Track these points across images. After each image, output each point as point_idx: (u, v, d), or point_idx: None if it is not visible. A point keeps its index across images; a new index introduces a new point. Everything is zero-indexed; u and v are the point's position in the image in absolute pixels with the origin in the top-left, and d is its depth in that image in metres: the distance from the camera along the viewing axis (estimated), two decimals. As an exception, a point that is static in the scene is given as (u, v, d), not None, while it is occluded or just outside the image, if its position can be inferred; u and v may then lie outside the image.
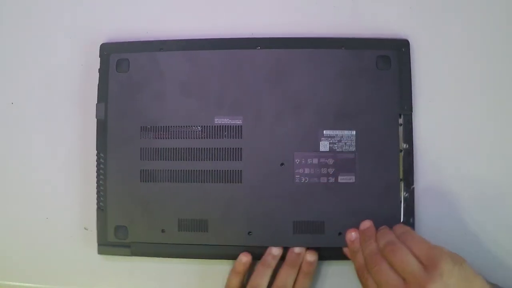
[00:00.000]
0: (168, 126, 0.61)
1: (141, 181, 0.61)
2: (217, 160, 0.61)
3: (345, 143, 0.60)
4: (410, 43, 0.62)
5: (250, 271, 0.60)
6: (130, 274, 0.64)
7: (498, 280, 0.61)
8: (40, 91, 0.67)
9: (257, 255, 0.61)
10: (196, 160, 0.61)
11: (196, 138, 0.61)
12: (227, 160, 0.61)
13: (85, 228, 0.65)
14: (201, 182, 0.61)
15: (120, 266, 0.64)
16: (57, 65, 0.67)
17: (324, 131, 0.60)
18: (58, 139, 0.66)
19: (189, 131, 0.61)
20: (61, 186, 0.66)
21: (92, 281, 0.65)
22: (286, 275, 0.58)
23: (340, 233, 0.59)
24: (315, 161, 0.60)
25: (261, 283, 0.58)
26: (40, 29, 0.68)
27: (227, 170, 0.60)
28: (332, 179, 0.60)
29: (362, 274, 0.54)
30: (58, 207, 0.66)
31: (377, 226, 0.58)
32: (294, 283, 0.59)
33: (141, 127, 0.61)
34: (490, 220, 0.62)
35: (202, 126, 0.61)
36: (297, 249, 0.59)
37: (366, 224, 0.58)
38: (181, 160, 0.61)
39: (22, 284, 0.66)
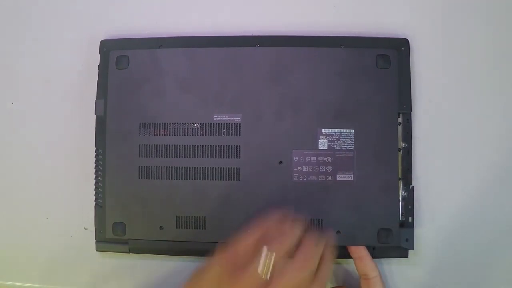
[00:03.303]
0: (167, 123, 0.61)
1: (139, 178, 0.61)
2: (215, 157, 0.60)
3: (344, 141, 0.60)
4: (410, 43, 0.62)
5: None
6: (129, 272, 0.64)
7: (498, 279, 0.61)
8: (40, 90, 0.67)
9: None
10: (195, 157, 0.61)
11: (195, 135, 0.61)
12: (226, 157, 0.60)
13: (85, 228, 0.65)
14: (200, 179, 0.60)
15: (119, 264, 0.64)
16: (57, 63, 0.67)
17: (323, 129, 0.60)
18: (58, 138, 0.67)
19: (187, 128, 0.61)
20: (61, 186, 0.66)
21: (92, 281, 0.65)
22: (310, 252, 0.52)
23: (338, 232, 0.59)
24: (314, 159, 0.60)
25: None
26: (40, 27, 0.68)
27: (226, 168, 0.60)
28: (330, 178, 0.60)
29: None
30: (58, 206, 0.66)
31: (376, 224, 0.59)
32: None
33: (140, 123, 0.61)
34: (490, 219, 0.62)
35: (200, 123, 0.61)
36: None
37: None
38: (179, 157, 0.61)
39: (22, 284, 0.66)
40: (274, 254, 0.50)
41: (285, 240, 0.51)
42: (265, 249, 0.50)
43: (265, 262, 0.50)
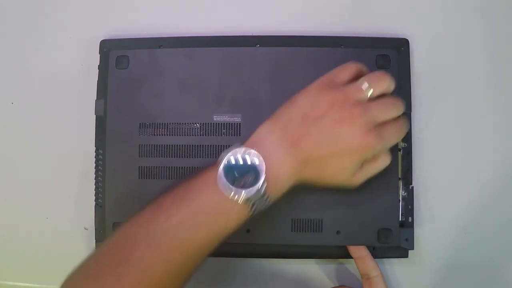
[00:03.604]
0: (167, 123, 0.61)
1: (139, 178, 0.61)
2: (215, 157, 0.59)
3: (344, 141, 0.60)
4: (409, 43, 0.62)
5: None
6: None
7: (498, 279, 0.61)
8: (40, 90, 0.67)
9: (256, 254, 0.61)
10: (195, 157, 0.60)
11: (195, 135, 0.61)
12: (226, 157, 0.60)
13: (85, 228, 0.65)
14: (199, 179, 0.60)
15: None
16: (58, 63, 0.67)
17: (323, 129, 0.60)
18: (59, 138, 0.67)
19: (187, 128, 0.61)
20: (61, 186, 0.66)
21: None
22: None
23: (338, 232, 0.59)
24: (314, 159, 0.60)
25: None
26: (40, 27, 0.68)
27: (226, 168, 0.60)
28: (330, 178, 0.60)
29: None
30: (58, 206, 0.66)
31: (376, 224, 0.59)
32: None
33: (140, 123, 0.61)
34: (489, 219, 0.62)
35: (200, 123, 0.61)
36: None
37: None
38: (179, 157, 0.61)
39: (22, 284, 0.66)
40: (371, 90, 0.50)
41: (383, 81, 0.51)
42: (365, 83, 0.50)
43: (367, 87, 0.50)
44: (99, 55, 0.63)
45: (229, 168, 0.48)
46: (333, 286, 0.62)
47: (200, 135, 0.61)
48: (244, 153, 0.49)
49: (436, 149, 0.63)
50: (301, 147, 0.49)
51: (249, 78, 0.61)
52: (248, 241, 0.60)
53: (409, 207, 0.60)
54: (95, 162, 0.62)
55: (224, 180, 0.48)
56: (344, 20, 0.65)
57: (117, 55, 0.62)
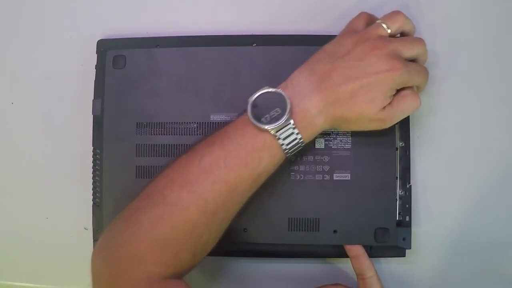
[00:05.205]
0: (164, 123, 0.61)
1: (136, 178, 0.61)
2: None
3: (341, 140, 0.60)
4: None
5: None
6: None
7: (496, 279, 0.60)
8: (40, 90, 0.68)
9: (252, 253, 0.61)
10: (192, 156, 0.60)
11: (192, 135, 0.61)
12: (223, 157, 0.60)
13: (85, 228, 0.65)
14: (197, 178, 0.60)
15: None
16: (57, 63, 0.67)
17: (320, 128, 0.60)
18: (58, 139, 0.67)
19: (185, 128, 0.61)
20: (61, 186, 0.66)
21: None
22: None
23: (335, 231, 0.59)
24: (311, 158, 0.60)
25: None
26: (39, 28, 0.68)
27: (223, 167, 0.60)
28: (327, 177, 0.59)
29: None
30: (58, 206, 0.66)
31: (373, 224, 0.59)
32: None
33: (137, 123, 0.61)
34: (489, 219, 0.62)
35: (198, 122, 0.61)
36: None
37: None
38: (176, 156, 0.60)
39: (22, 284, 0.67)
40: (388, 27, 0.53)
41: (397, 18, 0.54)
42: (382, 23, 0.53)
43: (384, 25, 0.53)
44: (96, 55, 0.64)
45: (256, 106, 0.51)
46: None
47: (197, 135, 0.61)
48: (270, 91, 0.51)
49: (435, 147, 0.63)
50: (329, 82, 0.51)
51: (246, 77, 0.61)
52: (245, 240, 0.60)
53: (407, 206, 0.59)
54: (92, 162, 0.62)
55: (252, 117, 0.50)
56: (342, 19, 0.64)
57: (114, 55, 0.62)
